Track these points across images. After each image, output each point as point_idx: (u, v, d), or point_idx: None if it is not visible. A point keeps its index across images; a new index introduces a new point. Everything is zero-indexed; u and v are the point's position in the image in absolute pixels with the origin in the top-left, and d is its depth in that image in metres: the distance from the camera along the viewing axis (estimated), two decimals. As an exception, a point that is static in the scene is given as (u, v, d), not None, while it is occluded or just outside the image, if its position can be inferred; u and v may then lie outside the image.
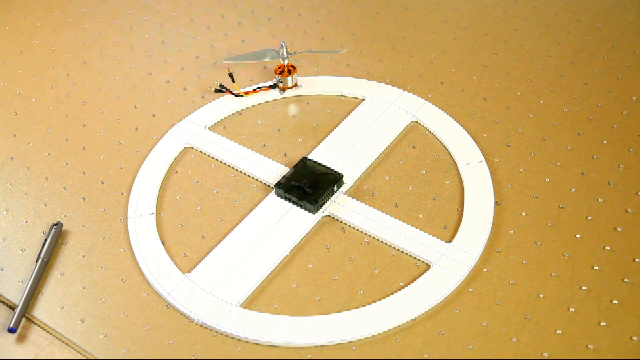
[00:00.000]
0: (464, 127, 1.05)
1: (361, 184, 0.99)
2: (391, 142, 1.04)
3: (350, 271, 0.90)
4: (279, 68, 1.11)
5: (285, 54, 1.10)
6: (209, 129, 1.08)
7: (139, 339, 0.85)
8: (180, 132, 1.07)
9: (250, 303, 0.88)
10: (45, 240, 0.94)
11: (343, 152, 1.02)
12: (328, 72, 1.16)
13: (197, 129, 1.07)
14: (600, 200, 0.95)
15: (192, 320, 0.87)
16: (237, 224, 0.95)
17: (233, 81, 1.10)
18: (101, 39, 1.25)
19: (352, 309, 0.86)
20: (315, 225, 0.95)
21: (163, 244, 0.94)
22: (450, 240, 0.92)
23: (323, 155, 1.02)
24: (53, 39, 1.26)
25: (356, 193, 0.98)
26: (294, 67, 1.12)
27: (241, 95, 1.11)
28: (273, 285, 0.89)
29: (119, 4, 1.31)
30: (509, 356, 0.81)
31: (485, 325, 0.84)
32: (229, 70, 1.11)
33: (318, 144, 1.04)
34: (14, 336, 0.87)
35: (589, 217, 0.93)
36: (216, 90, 1.11)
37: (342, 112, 1.09)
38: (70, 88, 1.17)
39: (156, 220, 0.97)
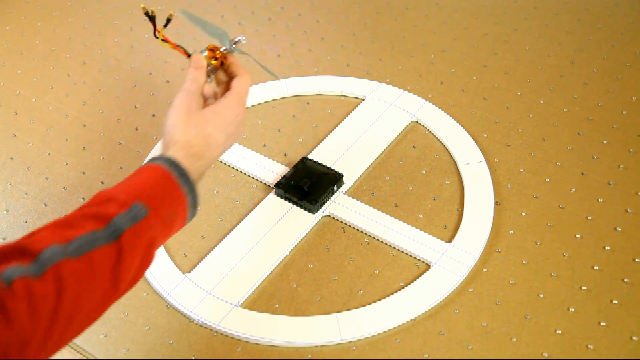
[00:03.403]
0: (464, 127, 1.05)
1: (361, 184, 0.99)
2: (391, 142, 1.04)
3: (350, 271, 0.90)
4: (214, 50, 0.85)
5: (233, 46, 0.86)
6: (209, 129, 1.07)
7: (139, 339, 0.85)
8: (180, 132, 1.07)
9: (250, 303, 0.88)
10: (45, 240, 0.94)
11: (343, 152, 1.02)
12: (328, 72, 1.15)
13: (197, 129, 1.07)
14: (600, 200, 0.95)
15: (192, 320, 0.87)
16: (237, 224, 0.95)
17: (159, 26, 0.88)
18: (101, 39, 1.25)
19: (352, 309, 0.86)
20: (315, 225, 0.95)
21: (163, 244, 0.94)
22: (450, 240, 0.92)
23: (323, 155, 1.02)
24: (53, 39, 1.26)
25: (356, 193, 0.98)
26: (226, 59, 0.85)
27: (164, 41, 0.88)
28: (273, 285, 0.89)
29: (119, 4, 1.31)
30: (509, 356, 0.81)
31: (485, 325, 0.84)
32: (152, 12, 0.88)
33: (318, 144, 1.04)
34: (14, 336, 0.87)
35: (589, 217, 0.93)
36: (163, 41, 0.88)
37: (342, 112, 1.09)
38: (70, 88, 1.17)
39: (156, 220, 0.97)
